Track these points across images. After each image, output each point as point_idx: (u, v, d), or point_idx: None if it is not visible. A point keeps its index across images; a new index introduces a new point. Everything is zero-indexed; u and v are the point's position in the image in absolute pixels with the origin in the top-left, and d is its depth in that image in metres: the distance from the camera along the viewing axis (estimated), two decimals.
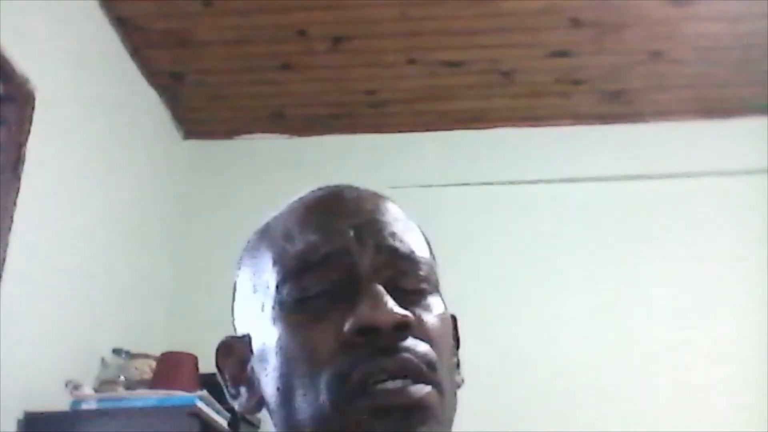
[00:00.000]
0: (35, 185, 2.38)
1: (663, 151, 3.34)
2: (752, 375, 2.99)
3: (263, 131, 3.51)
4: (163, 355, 2.59)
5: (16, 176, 2.31)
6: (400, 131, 3.45)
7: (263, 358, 0.69)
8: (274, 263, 0.70)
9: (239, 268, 0.78)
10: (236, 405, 0.74)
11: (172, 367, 2.53)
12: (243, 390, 0.73)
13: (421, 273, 0.69)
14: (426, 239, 0.75)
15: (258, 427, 2.91)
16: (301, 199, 0.77)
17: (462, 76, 3.19)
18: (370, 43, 3.04)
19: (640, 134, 3.37)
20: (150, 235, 3.21)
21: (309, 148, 3.47)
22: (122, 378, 2.54)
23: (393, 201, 0.75)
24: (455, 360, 0.73)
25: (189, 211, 3.43)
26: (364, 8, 2.88)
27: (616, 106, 3.33)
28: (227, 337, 0.78)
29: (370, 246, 0.67)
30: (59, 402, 2.36)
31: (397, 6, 2.87)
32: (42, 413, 2.30)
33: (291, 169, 3.44)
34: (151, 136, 3.30)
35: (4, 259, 2.22)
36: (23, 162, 2.34)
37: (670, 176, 3.29)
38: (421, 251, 0.71)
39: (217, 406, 2.47)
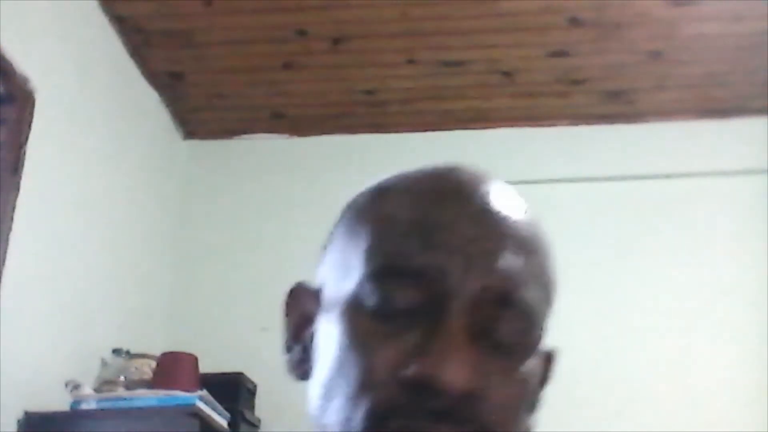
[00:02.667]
0: (35, 185, 2.38)
1: (663, 151, 3.34)
2: (753, 375, 2.99)
3: (263, 131, 3.51)
4: (163, 355, 2.59)
5: (16, 176, 2.31)
6: (400, 131, 3.44)
7: (322, 342, 0.63)
8: (366, 250, 0.61)
9: (341, 217, 0.68)
10: (287, 361, 0.68)
11: (172, 367, 2.53)
12: (298, 349, 0.67)
13: (525, 329, 0.60)
14: (551, 278, 0.65)
15: (258, 427, 2.91)
16: (427, 179, 0.65)
17: (462, 76, 3.19)
18: (370, 43, 3.04)
19: (640, 134, 3.37)
20: (150, 235, 3.21)
21: (309, 148, 3.47)
22: (122, 378, 2.54)
23: (532, 218, 0.65)
24: (534, 405, 0.65)
25: (189, 211, 3.43)
26: (364, 8, 2.88)
27: (616, 106, 3.33)
28: (299, 285, 0.70)
29: (476, 282, 0.58)
30: (59, 402, 2.36)
31: (397, 6, 2.87)
32: (42, 413, 2.30)
33: (291, 169, 3.44)
34: (151, 136, 3.30)
35: (4, 259, 2.22)
36: (23, 162, 2.34)
37: (670, 176, 3.29)
38: (537, 299, 0.61)
39: (217, 406, 2.48)
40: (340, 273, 0.64)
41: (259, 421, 2.92)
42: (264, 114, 3.44)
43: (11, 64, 2.32)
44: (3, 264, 2.22)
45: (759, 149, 3.24)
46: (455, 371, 0.54)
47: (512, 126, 3.43)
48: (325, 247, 0.69)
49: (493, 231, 0.61)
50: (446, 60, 3.12)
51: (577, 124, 3.41)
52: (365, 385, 0.57)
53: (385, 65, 3.15)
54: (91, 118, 2.80)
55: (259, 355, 3.07)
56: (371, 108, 3.38)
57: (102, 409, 2.37)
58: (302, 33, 2.99)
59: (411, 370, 0.55)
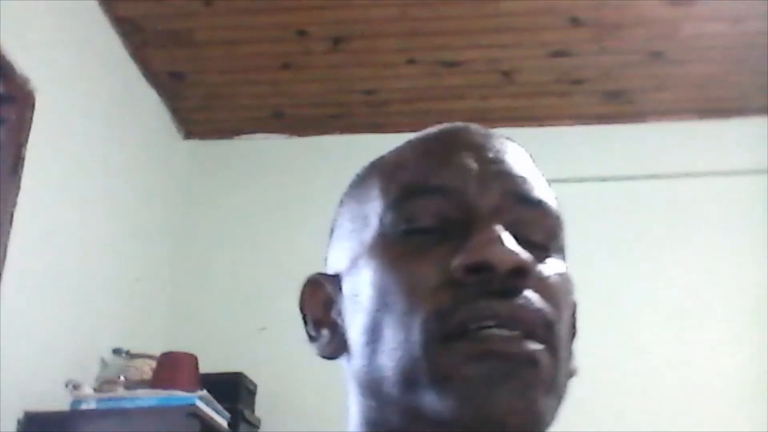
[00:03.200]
0: (35, 185, 2.38)
1: (663, 151, 3.34)
2: (753, 374, 2.99)
3: (263, 131, 3.51)
4: (163, 355, 2.59)
5: (16, 176, 2.31)
6: (400, 131, 3.40)
7: (355, 295, 0.60)
8: (380, 191, 0.61)
9: (341, 204, 0.68)
10: (315, 347, 0.65)
11: (172, 367, 2.53)
12: (325, 332, 0.64)
13: (550, 227, 0.60)
14: (555, 197, 0.65)
15: (258, 427, 2.91)
16: (423, 132, 0.66)
17: (462, 76, 3.19)
18: (370, 43, 3.04)
19: (640, 134, 3.37)
20: (150, 234, 3.21)
21: (309, 148, 3.47)
22: (122, 378, 2.54)
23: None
24: (571, 335, 0.62)
25: (189, 211, 3.43)
26: (364, 8, 2.88)
27: (616, 106, 3.33)
28: (316, 274, 0.68)
29: (494, 186, 0.58)
30: (59, 402, 2.36)
31: (397, 6, 2.87)
32: (42, 413, 2.30)
33: (291, 169, 3.44)
34: (151, 136, 3.30)
35: (4, 259, 2.22)
36: (23, 162, 2.34)
37: (670, 176, 3.29)
38: (552, 201, 0.62)
39: (217, 406, 2.48)
40: (356, 233, 0.62)
41: (259, 421, 2.92)
42: (264, 114, 3.44)
43: (11, 64, 2.32)
44: (3, 264, 2.22)
45: (759, 149, 3.24)
46: (502, 249, 0.53)
47: (512, 126, 3.42)
48: (329, 239, 0.68)
49: (498, 146, 0.62)
50: (446, 60, 3.12)
51: (577, 124, 3.41)
52: (415, 299, 0.54)
53: (385, 65, 3.16)
54: (91, 118, 2.80)
55: (259, 355, 3.07)
56: (371, 108, 3.38)
57: (102, 409, 2.37)
58: (302, 33, 2.99)
59: (456, 262, 0.54)
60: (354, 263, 0.61)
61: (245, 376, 2.87)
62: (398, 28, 2.96)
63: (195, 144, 3.54)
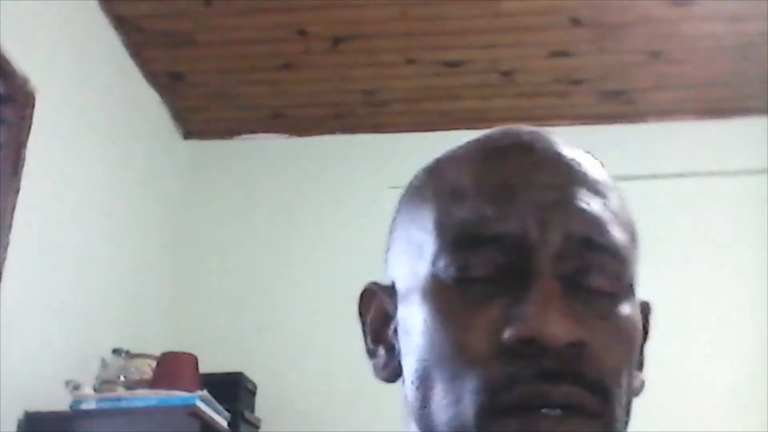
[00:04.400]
0: (35, 185, 2.38)
1: (663, 151, 3.34)
2: (752, 374, 2.99)
3: (263, 131, 3.51)
4: (163, 355, 2.59)
5: (16, 176, 2.31)
6: (400, 131, 3.44)
7: (407, 330, 0.59)
8: (435, 225, 0.58)
9: (398, 208, 0.65)
10: (371, 365, 0.64)
11: (172, 367, 2.53)
12: (382, 350, 0.63)
13: (615, 270, 0.56)
14: (626, 208, 0.62)
15: (258, 427, 2.91)
16: (483, 141, 0.62)
17: (462, 76, 3.19)
18: (370, 43, 3.04)
19: (640, 134, 3.37)
20: (150, 235, 3.21)
21: (309, 148, 3.47)
22: (122, 378, 2.54)
23: (598, 163, 0.61)
24: (637, 361, 0.61)
25: (189, 211, 3.43)
26: (364, 8, 2.88)
27: (616, 106, 3.33)
28: (371, 284, 0.66)
29: (556, 232, 0.55)
30: (59, 402, 2.36)
31: (397, 6, 2.87)
32: (42, 413, 2.30)
33: (291, 169, 3.44)
34: (151, 136, 3.30)
35: (4, 259, 2.22)
36: (23, 162, 2.34)
37: (670, 176, 3.29)
38: (621, 240, 0.57)
39: (217, 406, 2.48)
40: (411, 257, 0.60)
41: (259, 421, 2.92)
42: (264, 114, 3.44)
43: (11, 64, 2.32)
44: (3, 264, 2.22)
45: (759, 149, 3.24)
46: (556, 322, 0.51)
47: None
48: (388, 243, 0.66)
49: (562, 177, 0.57)
50: (446, 60, 3.12)
51: (577, 124, 3.41)
52: (466, 362, 0.54)
53: (385, 65, 3.15)
54: (91, 118, 2.80)
55: (259, 355, 3.07)
56: (371, 108, 3.38)
57: (102, 409, 2.37)
58: (302, 33, 2.99)
59: (508, 333, 0.52)
60: (406, 295, 0.60)
61: (245, 376, 2.87)
62: (398, 28, 2.96)
63: (195, 144, 3.54)
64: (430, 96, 3.31)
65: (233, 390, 2.76)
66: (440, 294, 0.56)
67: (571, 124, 3.41)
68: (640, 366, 0.63)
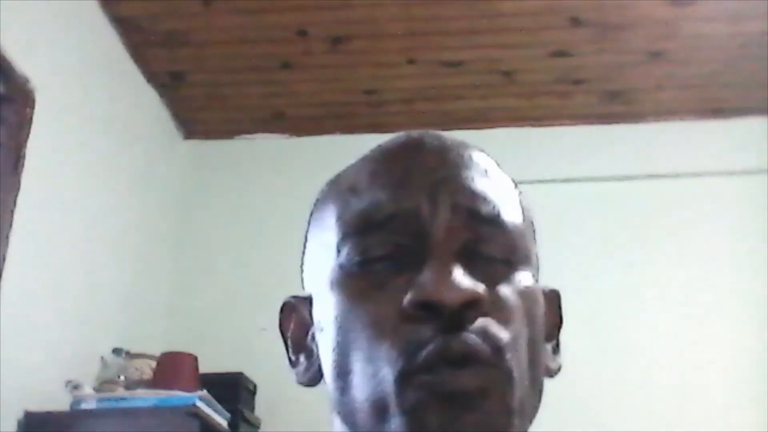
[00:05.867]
0: (35, 185, 2.38)
1: (663, 151, 3.34)
2: (752, 374, 2.99)
3: (263, 131, 3.51)
4: (163, 355, 2.60)
5: (16, 176, 2.31)
6: (400, 131, 3.43)
7: (321, 326, 0.62)
8: (337, 219, 0.62)
9: (309, 223, 0.69)
10: (294, 375, 0.68)
11: (172, 367, 2.53)
12: (302, 358, 0.67)
13: (507, 240, 0.60)
14: (522, 201, 0.65)
15: (258, 427, 2.91)
16: (378, 147, 0.67)
17: (462, 76, 3.19)
18: (370, 43, 3.04)
19: (640, 134, 3.37)
20: (150, 235, 3.21)
21: (309, 148, 3.47)
22: (122, 378, 2.54)
23: (484, 152, 0.65)
24: (550, 344, 0.65)
25: (189, 211, 3.43)
26: (364, 8, 2.88)
27: (616, 106, 3.33)
28: (289, 298, 0.69)
29: (445, 206, 0.59)
30: (59, 402, 2.36)
31: (397, 6, 2.87)
32: (42, 413, 2.30)
33: (291, 169, 3.44)
34: (151, 136, 3.30)
35: (4, 259, 2.22)
36: (23, 162, 2.34)
37: (669, 176, 3.29)
38: (509, 214, 0.61)
39: (217, 406, 2.48)
40: (321, 259, 0.63)
41: (259, 421, 2.92)
42: (264, 114, 3.44)
43: (11, 64, 2.33)
44: (3, 264, 2.22)
45: (759, 149, 3.24)
46: (449, 284, 0.55)
47: (512, 126, 3.42)
48: (302, 257, 0.69)
49: (451, 162, 0.62)
50: (446, 60, 3.12)
51: (577, 124, 3.41)
52: (378, 335, 0.57)
53: (385, 65, 3.16)
54: (91, 118, 2.80)
55: (259, 355, 3.07)
56: (371, 108, 3.38)
57: (102, 409, 2.37)
58: (302, 33, 2.99)
59: (407, 300, 0.55)
60: (318, 295, 0.63)
61: (245, 376, 2.87)
62: (398, 28, 2.96)
63: (195, 144, 3.54)
64: (430, 96, 3.31)
65: (233, 390, 2.76)
66: (347, 281, 0.60)
67: (571, 124, 3.41)
68: (556, 350, 0.66)
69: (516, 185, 0.67)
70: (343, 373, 0.59)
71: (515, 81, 3.22)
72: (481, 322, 0.56)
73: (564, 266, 3.23)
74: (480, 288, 0.56)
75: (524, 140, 3.41)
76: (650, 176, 3.30)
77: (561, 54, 3.07)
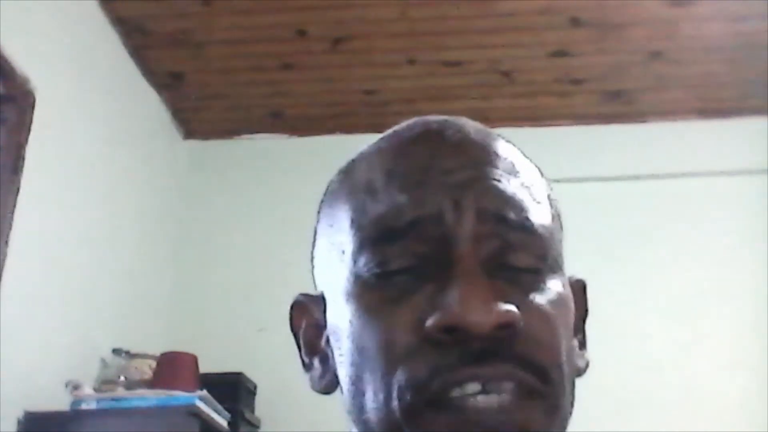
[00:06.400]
0: (35, 185, 2.38)
1: (663, 151, 3.34)
2: (753, 374, 2.99)
3: (263, 131, 3.51)
4: (163, 355, 2.59)
5: (16, 176, 2.31)
6: None
7: (336, 336, 0.58)
8: (352, 223, 0.57)
9: (319, 212, 0.63)
10: (308, 378, 0.63)
11: (172, 367, 2.53)
12: (317, 362, 0.62)
13: (537, 247, 0.55)
14: (551, 198, 0.61)
15: (258, 427, 2.91)
16: (393, 135, 0.61)
17: (462, 76, 3.19)
18: (370, 43, 3.04)
19: (640, 134, 3.37)
20: (150, 234, 3.21)
21: (309, 148, 3.47)
22: (122, 378, 2.54)
23: (510, 143, 0.61)
24: (577, 340, 0.60)
25: (189, 211, 3.43)
26: (364, 8, 2.88)
27: (616, 106, 3.33)
28: (300, 296, 0.65)
29: (470, 211, 0.54)
30: (59, 402, 2.36)
31: (397, 6, 2.87)
32: (42, 413, 2.30)
33: (291, 169, 3.44)
34: (151, 136, 3.30)
35: (4, 259, 2.22)
36: (23, 162, 2.34)
37: (670, 176, 3.29)
38: (539, 216, 0.56)
39: (217, 406, 2.48)
40: (334, 261, 0.59)
41: (259, 421, 2.92)
42: (264, 114, 3.44)
43: (11, 64, 2.32)
44: (3, 264, 2.22)
45: (759, 149, 3.24)
46: (478, 308, 0.50)
47: (512, 126, 3.42)
48: (312, 251, 0.65)
49: (474, 158, 0.56)
50: (446, 60, 3.12)
51: (577, 124, 3.41)
52: (393, 359, 0.52)
53: (385, 65, 3.16)
54: (91, 118, 2.80)
55: (259, 355, 3.07)
56: (371, 108, 3.38)
57: (102, 409, 2.37)
58: (302, 33, 2.99)
59: (430, 323, 0.50)
60: (333, 301, 0.59)
61: (245, 376, 2.87)
62: (398, 28, 2.96)
63: (195, 144, 3.54)
64: (430, 96, 3.30)
65: (233, 390, 2.76)
66: (363, 293, 0.55)
67: (571, 124, 3.41)
68: (583, 345, 0.63)
69: (542, 174, 0.62)
70: (356, 392, 0.55)
71: (515, 81, 3.22)
72: (518, 345, 0.51)
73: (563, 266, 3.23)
74: (513, 308, 0.51)
75: (524, 140, 3.38)
76: (650, 176, 3.30)
77: (561, 54, 3.07)
